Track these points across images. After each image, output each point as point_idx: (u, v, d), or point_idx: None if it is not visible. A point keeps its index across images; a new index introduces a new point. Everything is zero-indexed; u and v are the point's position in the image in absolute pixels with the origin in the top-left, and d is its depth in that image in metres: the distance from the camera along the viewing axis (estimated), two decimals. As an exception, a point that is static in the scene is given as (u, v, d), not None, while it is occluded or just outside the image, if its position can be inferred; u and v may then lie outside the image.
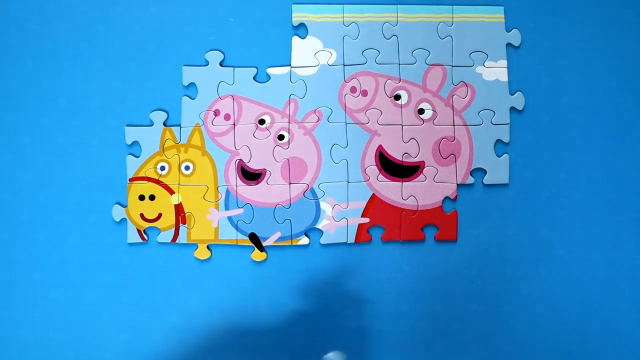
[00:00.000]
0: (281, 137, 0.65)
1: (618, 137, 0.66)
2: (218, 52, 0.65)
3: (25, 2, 0.65)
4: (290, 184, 0.64)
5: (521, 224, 0.65)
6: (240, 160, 0.64)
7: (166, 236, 0.64)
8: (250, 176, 0.64)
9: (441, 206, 0.64)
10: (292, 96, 0.65)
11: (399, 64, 0.65)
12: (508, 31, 0.65)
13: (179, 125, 0.64)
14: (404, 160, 0.65)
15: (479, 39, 0.65)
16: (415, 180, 0.65)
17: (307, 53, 0.65)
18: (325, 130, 0.65)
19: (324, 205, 0.64)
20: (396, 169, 0.65)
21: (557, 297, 0.65)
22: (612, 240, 0.65)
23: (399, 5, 0.65)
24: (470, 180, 0.65)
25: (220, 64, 0.65)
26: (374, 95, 0.65)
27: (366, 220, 0.64)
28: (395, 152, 0.65)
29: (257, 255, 0.64)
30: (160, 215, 0.64)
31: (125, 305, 0.65)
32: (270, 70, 0.65)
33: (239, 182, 0.64)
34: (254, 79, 0.65)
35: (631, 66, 0.66)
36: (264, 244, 0.64)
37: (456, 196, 0.64)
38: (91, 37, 0.65)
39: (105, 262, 0.65)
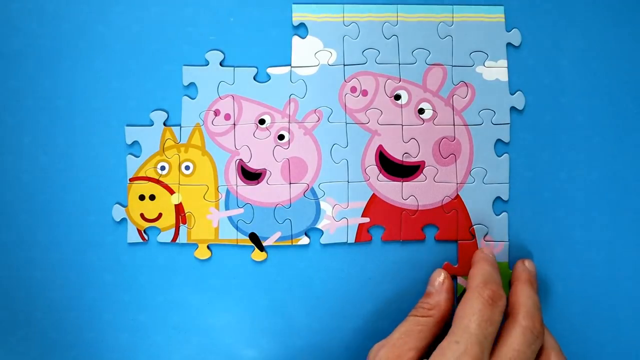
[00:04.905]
0: (281, 137, 0.65)
1: (618, 137, 0.66)
2: (218, 52, 0.65)
3: (25, 2, 0.65)
4: (290, 183, 0.64)
5: (521, 223, 0.65)
6: (241, 160, 0.65)
7: (166, 236, 0.64)
8: (251, 176, 0.65)
9: (441, 206, 0.65)
10: (292, 96, 0.65)
11: (399, 64, 0.65)
12: (508, 31, 0.65)
13: (179, 125, 0.64)
14: (404, 160, 0.65)
15: (479, 39, 0.65)
16: (416, 180, 0.65)
17: (307, 53, 0.65)
18: (325, 130, 0.65)
19: (324, 205, 0.64)
20: (396, 168, 0.65)
21: (557, 297, 0.65)
22: (612, 240, 0.65)
23: (399, 5, 0.65)
24: (471, 180, 0.65)
25: (221, 64, 0.65)
26: (374, 95, 0.65)
27: (366, 220, 0.64)
28: (396, 152, 0.65)
29: (257, 255, 0.64)
30: (160, 215, 0.64)
31: (125, 305, 0.65)
32: (270, 70, 0.65)
33: (239, 182, 0.64)
34: (254, 79, 0.65)
35: (631, 66, 0.66)
36: (264, 243, 0.64)
37: (457, 195, 0.65)
38: (91, 37, 0.65)
39: (105, 262, 0.65)
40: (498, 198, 0.65)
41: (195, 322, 0.65)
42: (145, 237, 0.64)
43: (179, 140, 0.64)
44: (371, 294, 0.65)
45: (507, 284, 0.64)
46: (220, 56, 0.65)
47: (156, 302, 0.64)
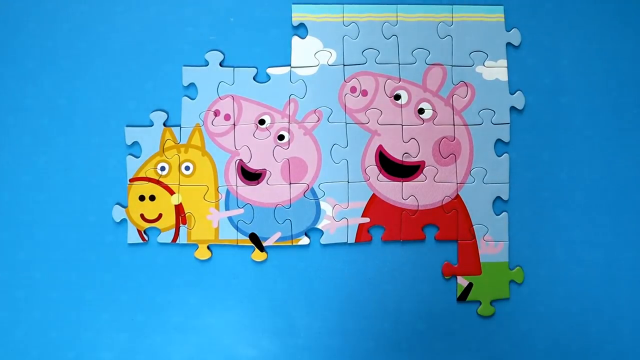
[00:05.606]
0: (281, 137, 0.65)
1: (618, 137, 0.66)
2: (218, 52, 0.65)
3: (25, 2, 0.65)
4: (290, 184, 0.64)
5: (521, 223, 0.65)
6: (241, 160, 0.64)
7: (166, 236, 0.64)
8: (251, 176, 0.64)
9: (441, 206, 0.65)
10: (292, 96, 0.65)
11: (399, 64, 0.65)
12: (508, 31, 0.65)
13: (179, 125, 0.64)
14: (404, 160, 0.65)
15: (478, 39, 0.65)
16: (416, 180, 0.65)
17: (307, 53, 0.65)
18: (325, 130, 0.65)
19: (324, 205, 0.64)
20: (396, 168, 0.65)
21: (557, 297, 0.65)
22: (612, 240, 0.65)
23: (398, 5, 0.65)
24: (471, 179, 0.65)
25: (220, 64, 0.65)
26: (374, 95, 0.65)
27: (366, 220, 0.64)
28: (396, 152, 0.65)
29: (258, 256, 0.64)
30: (160, 215, 0.64)
31: (125, 305, 0.65)
32: (270, 71, 0.65)
33: (239, 182, 0.64)
34: (254, 79, 0.65)
35: (631, 66, 0.66)
36: (264, 244, 0.64)
37: (457, 195, 0.65)
38: (91, 37, 0.65)
39: (105, 262, 0.65)
40: (498, 198, 0.65)
41: (195, 322, 0.65)
42: (146, 237, 0.64)
43: (179, 141, 0.64)
44: (371, 294, 0.65)
45: (508, 284, 0.64)
46: (220, 56, 0.65)
47: (156, 303, 0.64)
